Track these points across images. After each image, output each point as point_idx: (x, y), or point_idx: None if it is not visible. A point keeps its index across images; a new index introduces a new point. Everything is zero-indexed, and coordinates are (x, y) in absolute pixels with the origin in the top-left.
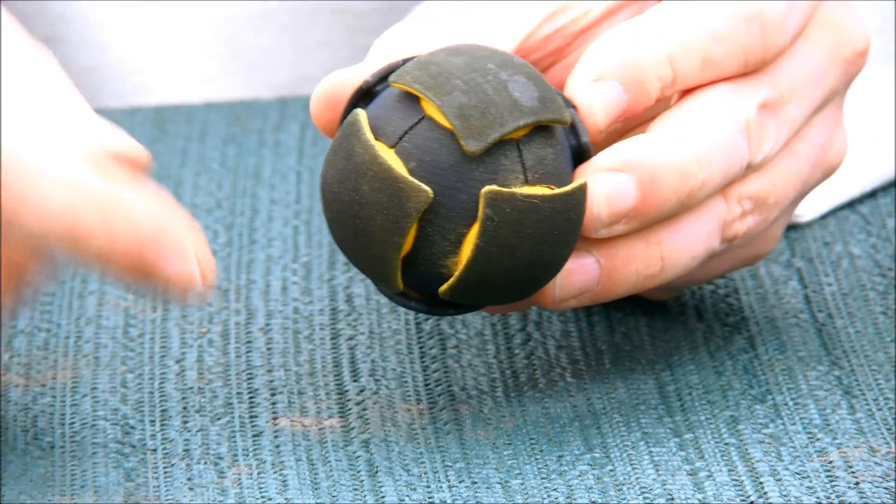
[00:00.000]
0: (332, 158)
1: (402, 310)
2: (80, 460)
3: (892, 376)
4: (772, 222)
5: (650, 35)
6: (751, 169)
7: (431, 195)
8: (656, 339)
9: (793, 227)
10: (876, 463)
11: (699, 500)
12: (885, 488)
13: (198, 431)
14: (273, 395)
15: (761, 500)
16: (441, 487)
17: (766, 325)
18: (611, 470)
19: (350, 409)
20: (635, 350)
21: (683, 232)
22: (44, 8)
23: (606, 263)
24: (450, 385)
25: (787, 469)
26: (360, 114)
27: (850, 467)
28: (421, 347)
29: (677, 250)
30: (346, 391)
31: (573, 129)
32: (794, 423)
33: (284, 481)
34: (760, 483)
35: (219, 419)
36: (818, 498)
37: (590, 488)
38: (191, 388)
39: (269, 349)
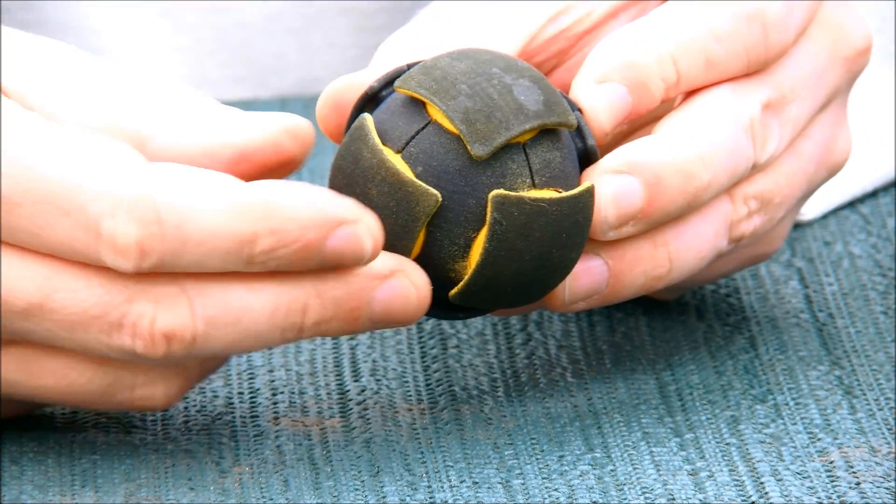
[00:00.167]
0: (339, 163)
1: None
2: (81, 460)
3: (893, 376)
4: (778, 221)
5: (653, 36)
6: (756, 169)
7: (440, 198)
8: (657, 338)
9: (794, 227)
10: (877, 463)
11: (700, 500)
12: (886, 488)
13: (199, 431)
14: (274, 394)
15: (762, 501)
16: (442, 487)
17: (766, 325)
18: (612, 470)
19: (351, 409)
20: (636, 350)
21: (690, 233)
22: (42, 15)
23: (614, 265)
24: (451, 385)
25: (788, 469)
26: (367, 118)
27: (851, 467)
28: (422, 347)
29: (685, 251)
30: (348, 391)
31: (579, 131)
32: (794, 423)
33: (286, 481)
34: (761, 483)
35: (220, 419)
36: (819, 498)
37: (591, 488)
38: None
39: (270, 349)
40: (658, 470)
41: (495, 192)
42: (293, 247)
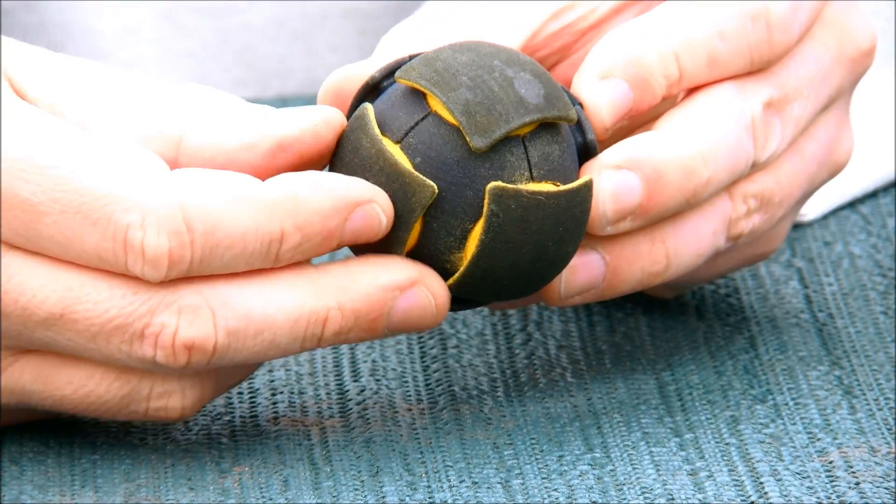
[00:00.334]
0: (339, 152)
1: None
2: (81, 460)
3: (893, 376)
4: (777, 221)
5: (656, 33)
6: (756, 167)
7: (436, 190)
8: (657, 338)
9: (793, 227)
10: (876, 463)
11: (699, 500)
12: (886, 488)
13: (199, 431)
14: (274, 394)
15: (762, 501)
16: (442, 487)
17: (766, 325)
18: (611, 470)
19: (351, 409)
20: (636, 350)
21: (689, 230)
22: (44, 17)
23: (612, 260)
24: (450, 385)
25: (788, 469)
26: (368, 108)
27: (851, 467)
28: (421, 347)
29: (683, 248)
30: (347, 391)
31: (579, 126)
32: (794, 423)
33: (285, 481)
34: (761, 483)
35: (220, 419)
36: (819, 498)
37: (590, 488)
38: None
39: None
40: (658, 470)
41: (493, 184)
42: (317, 238)
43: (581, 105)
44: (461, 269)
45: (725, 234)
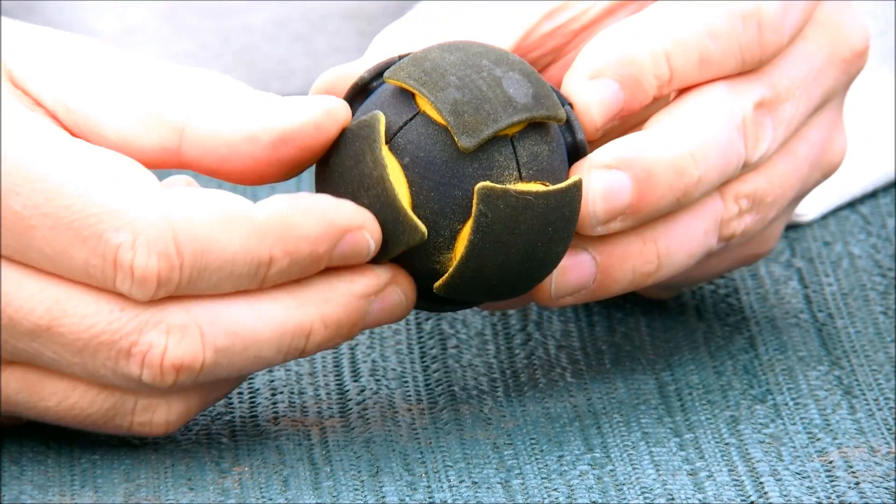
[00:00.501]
0: (339, 149)
1: None
2: (81, 460)
3: (893, 376)
4: (770, 221)
5: (647, 32)
6: (748, 168)
7: (426, 235)
8: (656, 339)
9: (793, 227)
10: (876, 463)
11: (699, 500)
12: (886, 488)
13: (199, 431)
14: (274, 394)
15: (762, 500)
16: (442, 487)
17: (766, 325)
18: (611, 470)
19: (351, 409)
20: (636, 350)
21: (680, 230)
22: (44, 17)
23: (603, 261)
24: (450, 385)
25: (788, 469)
26: (381, 120)
27: (851, 467)
28: (421, 347)
29: (674, 248)
30: (347, 391)
31: (569, 126)
32: (794, 423)
33: (285, 481)
34: (761, 483)
35: (220, 419)
36: (818, 498)
37: (590, 488)
38: None
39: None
40: (657, 470)
41: (481, 184)
42: (305, 262)
43: (571, 105)
44: (450, 269)
45: (717, 235)
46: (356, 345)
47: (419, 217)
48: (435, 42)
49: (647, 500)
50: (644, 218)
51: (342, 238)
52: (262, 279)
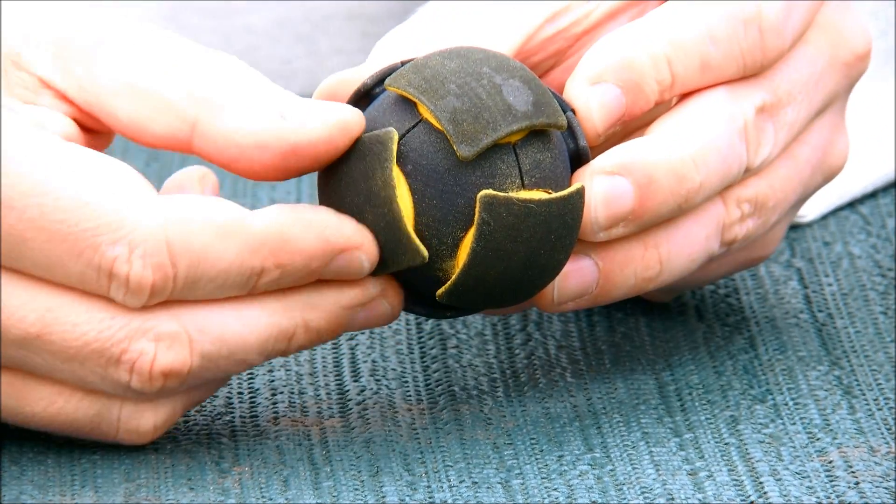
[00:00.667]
0: (350, 159)
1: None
2: (81, 460)
3: (892, 376)
4: (772, 226)
5: (648, 37)
6: (749, 172)
7: (426, 259)
8: (656, 339)
9: (793, 227)
10: (876, 463)
11: (699, 500)
12: (886, 488)
13: (199, 431)
14: (274, 394)
15: (761, 500)
16: (442, 487)
17: (766, 325)
18: (611, 470)
19: (351, 409)
20: (636, 350)
21: (682, 235)
22: None
23: (604, 266)
24: (450, 385)
25: (787, 469)
26: (393, 139)
27: (850, 467)
28: (421, 347)
29: (676, 253)
30: (347, 391)
31: (571, 132)
32: (794, 423)
33: (285, 481)
34: (760, 483)
35: (220, 419)
36: (818, 498)
37: (590, 488)
38: None
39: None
40: (657, 470)
41: (483, 192)
42: (297, 275)
43: (573, 111)
44: (453, 277)
45: (719, 239)
46: (356, 345)
47: (422, 225)
48: (438, 45)
49: (647, 500)
50: (646, 223)
51: (338, 256)
52: (251, 288)
